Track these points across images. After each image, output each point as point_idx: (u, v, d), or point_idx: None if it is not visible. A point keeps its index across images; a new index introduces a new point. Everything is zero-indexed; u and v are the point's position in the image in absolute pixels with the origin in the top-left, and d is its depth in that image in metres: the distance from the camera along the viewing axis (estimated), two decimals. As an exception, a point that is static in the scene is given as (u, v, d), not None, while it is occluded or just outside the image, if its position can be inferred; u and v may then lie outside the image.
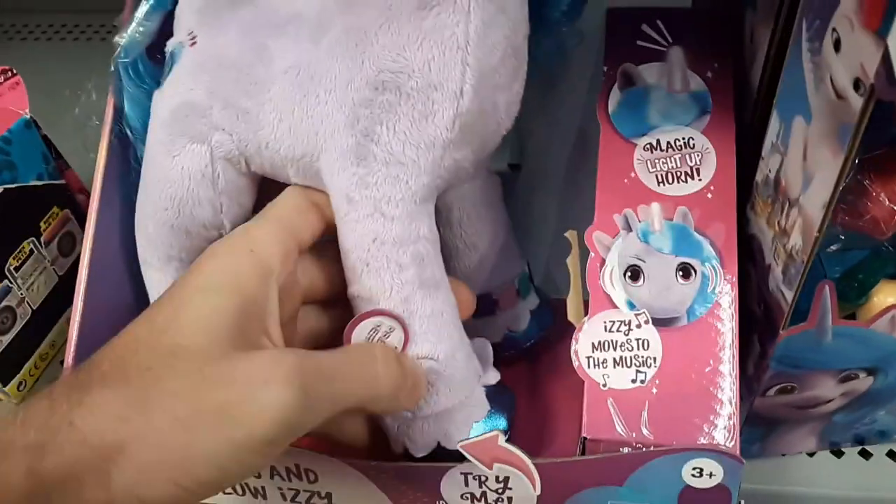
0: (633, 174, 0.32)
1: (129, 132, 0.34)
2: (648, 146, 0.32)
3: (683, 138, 0.32)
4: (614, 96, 0.34)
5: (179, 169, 0.30)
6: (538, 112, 0.40)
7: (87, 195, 0.43)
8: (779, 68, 0.30)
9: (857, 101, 0.21)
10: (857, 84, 0.21)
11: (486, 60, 0.27)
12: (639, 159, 0.32)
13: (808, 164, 0.26)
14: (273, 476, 0.32)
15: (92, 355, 0.25)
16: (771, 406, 0.33)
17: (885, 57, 0.19)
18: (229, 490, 0.33)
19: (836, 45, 0.23)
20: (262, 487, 0.32)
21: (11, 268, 0.39)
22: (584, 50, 0.37)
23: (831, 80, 0.23)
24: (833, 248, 0.30)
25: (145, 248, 0.33)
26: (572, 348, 0.29)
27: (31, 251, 0.40)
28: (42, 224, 0.41)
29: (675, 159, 0.32)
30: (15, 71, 0.40)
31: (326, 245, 0.30)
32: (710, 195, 0.31)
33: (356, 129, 0.28)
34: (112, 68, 0.33)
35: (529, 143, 0.41)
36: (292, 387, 0.23)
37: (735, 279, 0.30)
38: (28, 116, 0.39)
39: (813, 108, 0.25)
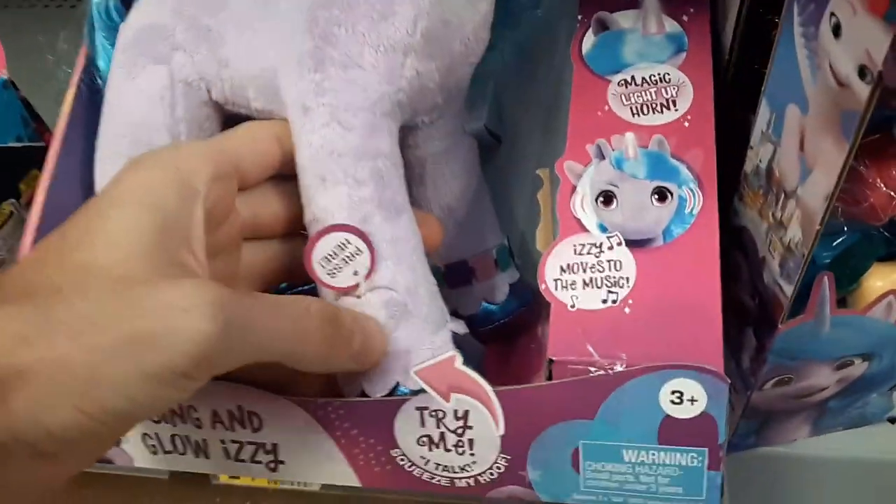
0: (606, 107, 0.31)
1: (99, 79, 0.33)
2: (623, 82, 0.32)
3: (659, 73, 0.32)
4: (588, 40, 0.33)
5: (137, 91, 0.30)
6: (517, 78, 0.39)
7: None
8: (750, 29, 0.30)
9: (862, 89, 0.21)
10: (862, 71, 0.21)
11: None
12: (613, 94, 0.31)
13: (807, 154, 0.25)
14: (215, 425, 0.29)
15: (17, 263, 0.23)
16: (767, 399, 0.33)
17: (894, 44, 0.19)
18: (169, 448, 0.30)
19: (836, 31, 0.22)
20: (204, 441, 0.30)
21: (-8, 228, 0.39)
22: (560, 18, 0.37)
23: (831, 67, 0.22)
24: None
25: (102, 187, 0.32)
26: (539, 271, 0.27)
27: (11, 213, 0.40)
28: (22, 186, 0.40)
29: (650, 92, 0.31)
30: (-2, 42, 0.41)
31: (276, 180, 0.29)
32: (686, 124, 0.30)
33: (314, 32, 0.27)
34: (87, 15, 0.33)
35: (509, 112, 0.40)
36: (214, 320, 0.21)
37: (715, 203, 0.28)
38: (6, 77, 0.39)
39: (809, 96, 0.24)
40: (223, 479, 0.37)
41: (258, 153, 0.27)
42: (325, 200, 0.27)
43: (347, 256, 0.26)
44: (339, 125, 0.27)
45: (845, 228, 0.29)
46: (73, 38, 0.36)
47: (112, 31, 0.32)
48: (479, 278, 0.35)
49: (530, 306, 0.36)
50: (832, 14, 0.22)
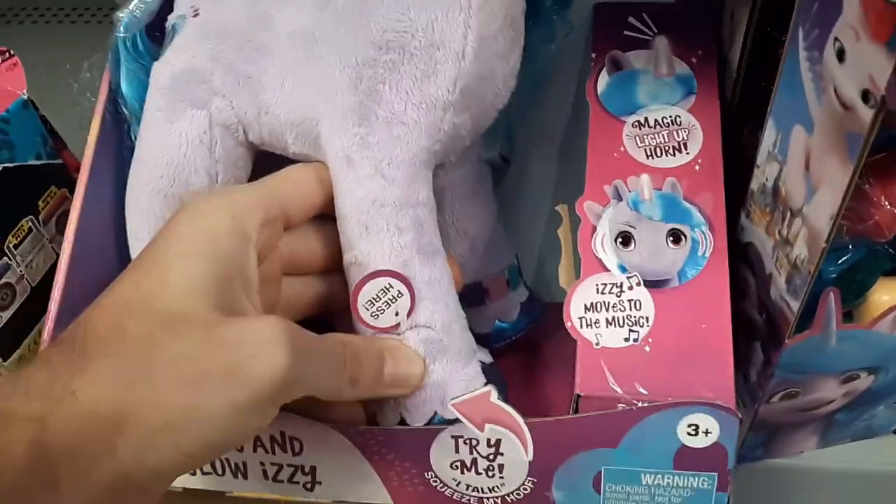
0: (622, 149, 0.33)
1: (123, 109, 0.34)
2: (637, 123, 0.34)
3: (671, 116, 0.34)
4: (603, 79, 0.35)
5: (177, 135, 0.31)
6: (528, 106, 0.41)
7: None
8: (757, 47, 0.32)
9: (866, 113, 0.22)
10: (865, 95, 0.21)
11: (487, 25, 0.28)
12: (627, 135, 0.34)
13: (812, 174, 0.26)
14: (256, 449, 0.31)
15: (79, 319, 0.25)
16: (774, 412, 0.33)
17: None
18: (208, 469, 0.32)
19: (840, 56, 0.23)
20: (244, 463, 0.32)
21: (11, 245, 0.39)
22: (572, 47, 0.38)
23: (835, 91, 0.23)
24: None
25: (136, 222, 0.33)
26: (564, 309, 0.29)
27: (30, 229, 0.41)
28: (40, 203, 0.41)
29: (662, 135, 0.33)
30: (13, 52, 0.40)
31: (313, 220, 0.30)
32: (697, 167, 0.32)
33: (359, 88, 0.29)
34: (111, 45, 0.33)
35: (519, 136, 0.42)
36: (291, 349, 0.24)
37: (725, 245, 0.30)
38: (26, 96, 0.39)
39: (815, 118, 0.25)
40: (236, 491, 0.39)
41: (303, 197, 0.29)
42: (368, 247, 0.29)
43: (390, 299, 0.28)
44: (382, 178, 0.28)
45: (850, 245, 0.30)
46: (98, 63, 0.36)
47: (138, 61, 0.33)
48: (493, 298, 0.37)
49: (539, 323, 0.38)
50: (836, 39, 0.23)
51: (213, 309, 0.24)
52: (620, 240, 0.31)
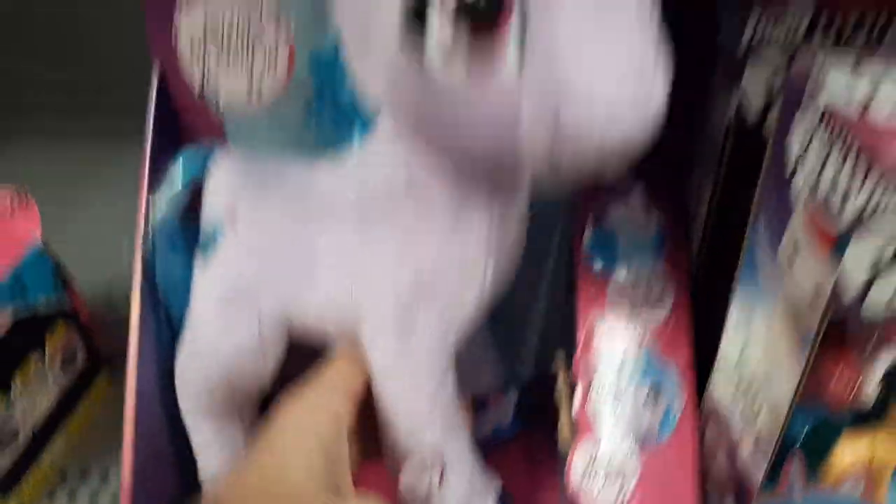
0: (606, 305, 0.37)
1: (161, 292, 0.37)
2: (618, 280, 0.37)
3: (646, 273, 0.37)
4: (587, 235, 0.39)
5: (230, 343, 0.34)
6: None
7: (87, 312, 0.46)
8: (721, 221, 0.36)
9: (815, 314, 0.24)
10: (813, 300, 0.24)
11: (505, 261, 0.32)
12: (610, 291, 0.37)
13: (771, 355, 0.29)
14: None
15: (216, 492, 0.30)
16: None
17: (839, 280, 0.23)
18: None
19: (790, 259, 0.26)
20: None
21: (16, 385, 0.41)
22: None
23: (788, 288, 0.26)
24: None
25: (188, 400, 0.36)
26: (567, 467, 0.33)
27: (36, 365, 0.42)
28: (47, 340, 0.43)
29: (639, 292, 0.37)
30: (28, 193, 0.43)
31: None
32: (670, 325, 0.36)
33: (398, 313, 0.32)
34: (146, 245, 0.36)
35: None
36: None
37: (695, 403, 0.34)
38: (40, 244, 0.42)
39: (772, 306, 0.28)
40: None
41: (360, 382, 0.33)
42: (404, 436, 0.32)
43: (426, 470, 0.32)
44: (416, 386, 0.32)
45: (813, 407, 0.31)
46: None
47: (174, 244, 0.35)
48: (492, 406, 0.42)
49: (530, 423, 0.42)
50: (785, 245, 0.26)
51: (324, 489, 0.28)
52: (609, 402, 0.34)
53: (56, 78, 0.63)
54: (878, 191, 0.20)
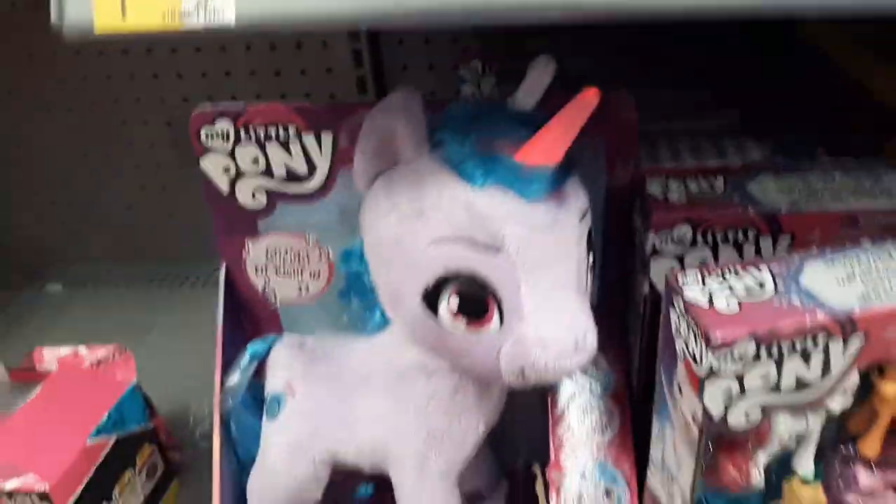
0: (570, 429, 0.48)
1: (235, 436, 0.48)
2: (579, 408, 0.49)
3: (599, 403, 0.49)
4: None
5: (294, 478, 0.46)
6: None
7: (169, 434, 0.57)
8: (649, 363, 0.48)
9: (696, 429, 0.35)
10: (693, 418, 0.35)
11: (493, 409, 0.45)
12: (573, 418, 0.49)
13: (677, 456, 0.38)
14: None
15: None
16: None
17: (704, 409, 0.34)
18: None
19: (679, 391, 0.36)
20: None
21: (116, 494, 0.52)
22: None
23: (681, 410, 0.36)
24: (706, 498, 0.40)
25: None
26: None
27: (129, 478, 0.54)
28: (137, 457, 0.55)
29: (595, 416, 0.49)
30: (127, 348, 0.56)
31: None
32: (618, 441, 0.47)
33: (416, 455, 0.44)
34: (223, 401, 0.47)
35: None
36: None
37: (636, 495, 0.45)
38: (135, 384, 0.54)
39: (674, 422, 0.38)
40: None
41: None
42: None
43: None
44: (433, 501, 0.44)
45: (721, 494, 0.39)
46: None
47: (245, 407, 0.47)
48: (487, 497, 0.53)
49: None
50: (676, 382, 0.36)
51: None
52: (576, 498, 0.45)
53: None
54: (713, 357, 0.33)
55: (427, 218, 0.36)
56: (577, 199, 0.38)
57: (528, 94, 0.40)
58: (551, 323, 0.36)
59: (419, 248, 0.36)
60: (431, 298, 0.37)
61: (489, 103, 0.40)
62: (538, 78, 0.40)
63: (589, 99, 0.34)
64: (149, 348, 0.57)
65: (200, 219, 0.83)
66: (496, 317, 0.36)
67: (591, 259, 0.39)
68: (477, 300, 0.36)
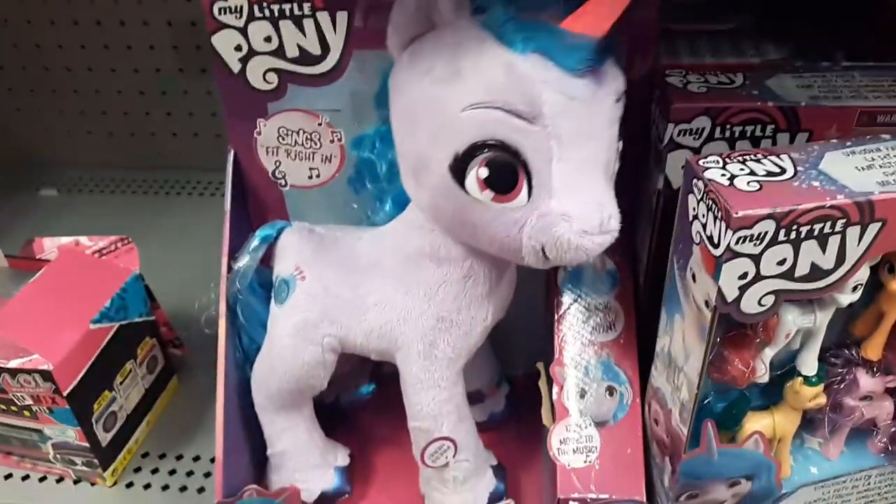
0: (575, 326, 0.49)
1: (240, 322, 0.48)
2: (584, 307, 0.49)
3: (604, 302, 0.49)
4: (560, 274, 0.51)
5: (301, 362, 0.46)
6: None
7: (169, 327, 0.57)
8: (658, 261, 0.48)
9: (708, 314, 0.35)
10: (706, 303, 0.35)
11: (502, 300, 0.45)
12: (578, 316, 0.49)
13: (686, 345, 0.39)
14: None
15: None
16: None
17: (720, 292, 0.34)
18: None
19: (693, 278, 0.36)
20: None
21: (117, 383, 0.52)
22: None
23: (693, 298, 0.37)
24: (712, 394, 0.41)
25: (264, 399, 0.48)
26: (547, 443, 0.44)
27: (130, 370, 0.54)
28: (138, 349, 0.55)
29: (599, 316, 0.49)
30: (130, 239, 0.55)
31: None
32: (621, 341, 0.48)
33: (424, 341, 0.44)
34: (231, 284, 0.47)
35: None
36: None
37: (639, 396, 0.46)
38: (137, 272, 0.53)
39: (685, 311, 0.38)
40: None
41: None
42: (427, 421, 0.45)
43: (444, 450, 0.44)
44: (437, 387, 0.44)
45: (729, 390, 0.40)
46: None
47: (253, 291, 0.47)
48: (487, 397, 0.55)
49: (517, 410, 0.55)
50: (690, 268, 0.36)
51: None
52: (579, 394, 0.45)
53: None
54: (732, 235, 0.33)
55: (464, 80, 0.35)
56: (614, 80, 0.37)
57: None
58: (579, 200, 0.36)
59: (453, 112, 0.36)
60: (460, 167, 0.36)
61: None
62: None
63: (644, -26, 0.33)
64: (147, 250, 0.56)
65: (199, 126, 0.84)
66: (525, 190, 0.36)
67: (620, 145, 0.39)
68: (506, 171, 0.35)
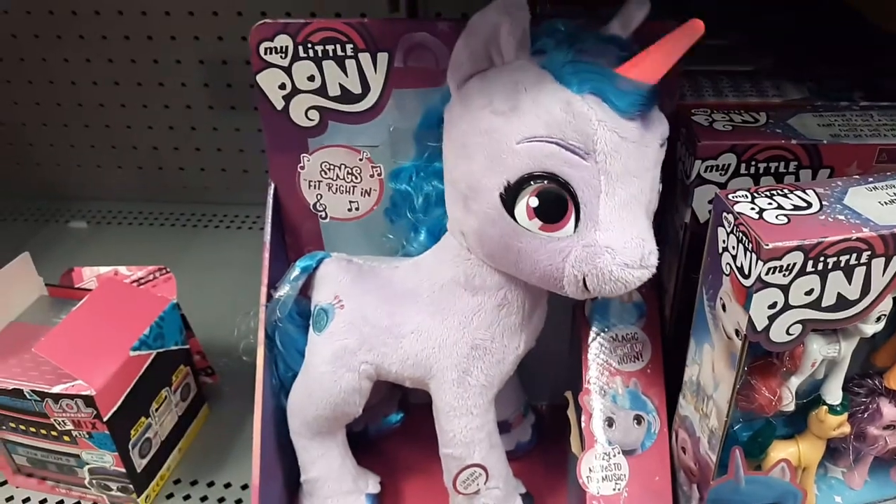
0: (603, 357, 0.50)
1: (278, 350, 0.50)
2: (611, 338, 0.51)
3: (631, 333, 0.51)
4: (588, 305, 0.52)
5: (338, 389, 0.47)
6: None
7: (202, 356, 0.58)
8: (684, 292, 0.49)
9: (738, 343, 0.36)
10: (736, 332, 0.36)
11: (534, 330, 0.47)
12: (605, 347, 0.50)
13: (715, 374, 0.40)
14: None
15: None
16: None
17: (749, 321, 0.35)
18: None
19: (723, 308, 0.37)
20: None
21: (153, 409, 0.53)
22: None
23: (723, 327, 0.38)
24: (740, 422, 0.43)
25: (300, 425, 0.49)
26: (576, 471, 0.45)
27: (165, 397, 0.55)
28: (173, 377, 0.56)
29: (627, 347, 0.50)
30: (168, 269, 0.57)
31: None
32: (649, 371, 0.49)
33: (458, 368, 0.45)
34: (271, 312, 0.48)
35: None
36: None
37: (667, 424, 0.47)
38: (175, 301, 0.55)
39: (714, 340, 0.39)
40: None
41: None
42: (460, 449, 0.45)
43: (476, 477, 0.45)
44: (470, 414, 0.45)
45: (755, 418, 0.41)
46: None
47: (292, 319, 0.49)
48: (514, 426, 0.56)
49: (542, 439, 0.56)
50: (720, 298, 0.37)
51: None
52: (606, 423, 0.46)
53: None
54: (763, 266, 0.34)
55: (522, 114, 0.37)
56: (660, 125, 0.39)
57: (623, 24, 0.40)
58: (623, 234, 0.37)
59: (509, 143, 0.37)
60: (511, 195, 0.38)
61: (585, 25, 0.40)
62: (633, 11, 0.40)
63: (695, 28, 0.35)
64: (178, 281, 0.58)
65: (227, 162, 0.86)
66: (572, 221, 0.37)
67: (660, 187, 0.40)
68: (557, 202, 0.37)
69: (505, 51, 0.38)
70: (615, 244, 0.37)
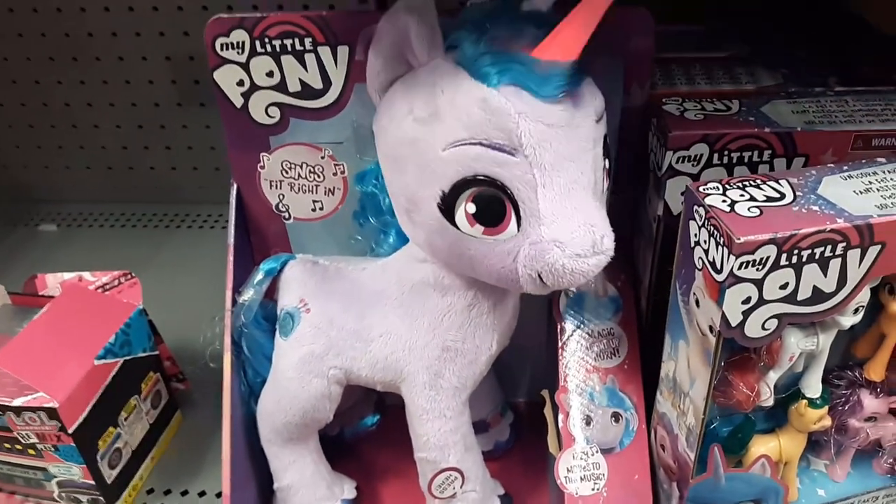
0: (578, 353, 0.49)
1: (245, 356, 0.48)
2: (587, 334, 0.50)
3: (607, 328, 0.50)
4: (562, 300, 0.51)
5: (307, 395, 0.46)
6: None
7: (172, 362, 0.57)
8: (659, 285, 0.49)
9: (712, 339, 0.36)
10: (710, 328, 0.35)
11: (506, 327, 0.46)
12: (581, 343, 0.49)
13: (691, 370, 0.39)
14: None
15: None
16: None
17: (723, 317, 0.34)
18: None
19: (697, 304, 0.37)
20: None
21: (122, 419, 0.52)
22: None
23: (697, 323, 0.37)
24: (718, 419, 0.42)
25: (270, 432, 0.48)
26: (554, 471, 0.44)
27: (135, 405, 0.53)
28: (142, 385, 0.54)
29: (603, 343, 0.49)
30: (133, 274, 0.55)
31: None
32: (626, 367, 0.48)
33: (430, 371, 0.44)
34: (236, 318, 0.47)
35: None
36: None
37: (645, 421, 0.46)
38: (141, 307, 0.53)
39: (689, 336, 0.38)
40: None
41: None
42: (434, 452, 0.44)
43: (451, 480, 0.44)
44: (443, 417, 0.44)
45: (734, 414, 0.41)
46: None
47: (258, 324, 0.47)
48: (492, 426, 0.55)
49: (521, 438, 0.55)
50: (693, 293, 0.36)
51: None
52: (585, 421, 0.45)
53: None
54: (735, 260, 0.33)
55: (442, 119, 0.36)
56: (593, 100, 0.37)
57: None
58: (569, 224, 0.36)
59: (435, 152, 0.36)
60: (448, 204, 0.37)
61: (503, 4, 0.38)
62: None
63: (605, -6, 0.33)
64: (147, 284, 0.57)
65: (198, 160, 0.84)
66: (513, 221, 0.36)
67: (606, 164, 0.39)
68: (493, 204, 0.36)
69: (417, 52, 0.37)
70: (562, 236, 0.35)
